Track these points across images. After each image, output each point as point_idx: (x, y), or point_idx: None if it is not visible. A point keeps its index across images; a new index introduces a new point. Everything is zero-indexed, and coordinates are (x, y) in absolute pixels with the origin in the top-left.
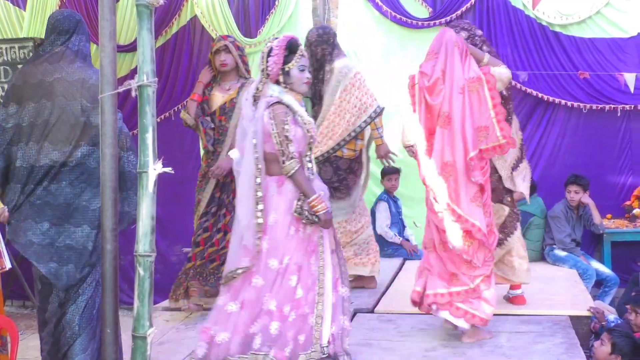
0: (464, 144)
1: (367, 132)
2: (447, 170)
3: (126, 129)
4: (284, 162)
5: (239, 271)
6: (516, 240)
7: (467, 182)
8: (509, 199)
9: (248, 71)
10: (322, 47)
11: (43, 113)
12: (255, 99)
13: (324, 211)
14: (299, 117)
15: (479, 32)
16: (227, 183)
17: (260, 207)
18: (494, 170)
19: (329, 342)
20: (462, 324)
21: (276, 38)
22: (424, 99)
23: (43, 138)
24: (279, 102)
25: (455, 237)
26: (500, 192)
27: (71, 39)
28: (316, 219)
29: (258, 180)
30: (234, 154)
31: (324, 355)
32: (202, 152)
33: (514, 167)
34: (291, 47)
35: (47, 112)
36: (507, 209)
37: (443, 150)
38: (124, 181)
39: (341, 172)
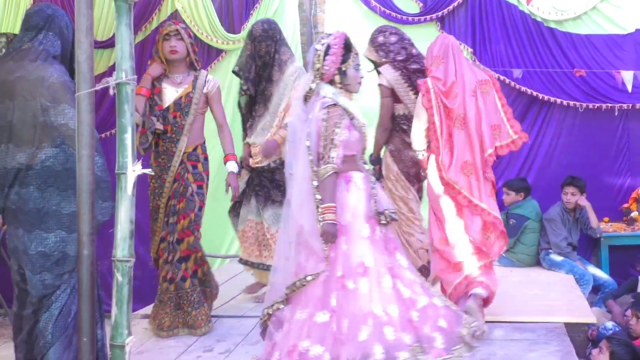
0: (480, 143)
1: None
2: (467, 169)
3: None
4: (319, 165)
5: (309, 278)
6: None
7: (484, 178)
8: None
9: (198, 62)
10: (267, 42)
11: (6, 114)
12: (307, 99)
13: (328, 222)
14: (355, 121)
15: (405, 35)
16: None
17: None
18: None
19: None
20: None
21: (329, 35)
22: (442, 103)
23: (8, 140)
24: (335, 104)
25: (476, 230)
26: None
27: (38, 35)
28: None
29: (315, 183)
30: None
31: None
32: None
33: None
34: (347, 45)
35: (10, 113)
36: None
37: (463, 150)
38: None
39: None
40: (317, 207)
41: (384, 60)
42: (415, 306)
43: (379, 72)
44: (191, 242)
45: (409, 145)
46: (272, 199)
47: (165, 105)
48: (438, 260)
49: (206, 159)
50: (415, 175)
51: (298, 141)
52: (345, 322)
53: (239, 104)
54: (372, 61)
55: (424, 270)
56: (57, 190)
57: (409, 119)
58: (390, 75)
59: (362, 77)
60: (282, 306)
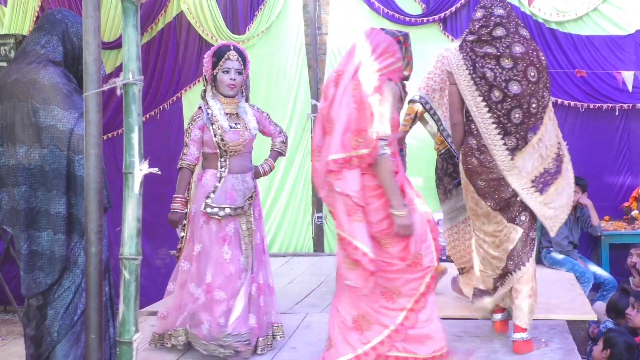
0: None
1: None
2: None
3: (80, 131)
4: None
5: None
6: (526, 274)
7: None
8: (523, 218)
9: None
10: None
11: (6, 114)
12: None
13: (172, 210)
14: (217, 123)
15: (499, 11)
16: None
17: None
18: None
19: None
20: None
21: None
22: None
23: (7, 140)
24: (200, 107)
25: (341, 262)
26: (514, 209)
27: (42, 39)
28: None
29: None
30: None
31: None
32: None
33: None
34: (219, 54)
35: (8, 114)
36: (520, 232)
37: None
38: (75, 185)
39: None
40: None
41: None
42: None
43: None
44: None
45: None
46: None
47: None
48: None
49: None
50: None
51: None
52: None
53: None
54: None
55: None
56: (45, 190)
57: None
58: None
59: (231, 79)
60: None
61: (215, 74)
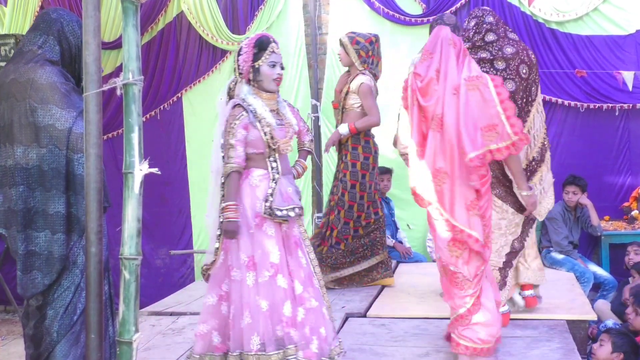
0: (459, 147)
1: None
2: (439, 177)
3: (79, 129)
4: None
5: (203, 267)
6: (530, 243)
7: (463, 189)
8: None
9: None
10: None
11: (4, 115)
12: (230, 98)
13: (227, 220)
14: (262, 120)
15: (490, 19)
16: None
17: None
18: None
19: None
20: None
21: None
22: (417, 101)
23: (5, 140)
24: (239, 105)
25: (443, 247)
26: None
27: (38, 39)
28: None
29: (222, 179)
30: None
31: None
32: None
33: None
34: (261, 44)
35: (6, 114)
36: (521, 216)
37: (435, 156)
38: (74, 184)
39: None
40: (221, 202)
41: None
42: (304, 304)
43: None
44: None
45: None
46: None
47: None
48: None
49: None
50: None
51: (216, 139)
52: (231, 308)
53: None
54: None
55: None
56: (43, 189)
57: None
58: None
59: (278, 74)
60: None
61: (257, 66)
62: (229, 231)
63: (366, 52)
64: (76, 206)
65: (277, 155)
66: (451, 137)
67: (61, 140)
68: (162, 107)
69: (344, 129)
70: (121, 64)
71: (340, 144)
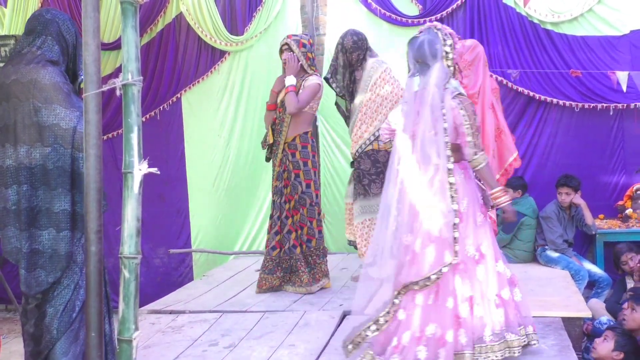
0: (500, 156)
1: None
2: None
3: (82, 128)
4: (475, 154)
5: (445, 269)
6: None
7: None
8: None
9: (311, 67)
10: (357, 52)
11: (4, 115)
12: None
13: (507, 202)
14: None
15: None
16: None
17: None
18: None
19: None
20: None
21: (433, 27)
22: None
23: (5, 140)
24: (461, 94)
25: None
26: None
27: (36, 40)
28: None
29: (450, 166)
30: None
31: None
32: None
33: None
34: None
35: (7, 115)
36: None
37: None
38: (79, 183)
39: (379, 165)
40: (452, 197)
41: None
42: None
43: None
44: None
45: None
46: (358, 192)
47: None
48: None
49: (304, 147)
50: None
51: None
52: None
53: (337, 104)
54: None
55: None
56: (48, 188)
57: None
58: None
59: None
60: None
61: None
62: (513, 212)
63: (312, 54)
64: (80, 204)
65: None
66: (488, 149)
67: (66, 139)
68: (161, 107)
69: (290, 80)
70: (120, 65)
71: (285, 143)
